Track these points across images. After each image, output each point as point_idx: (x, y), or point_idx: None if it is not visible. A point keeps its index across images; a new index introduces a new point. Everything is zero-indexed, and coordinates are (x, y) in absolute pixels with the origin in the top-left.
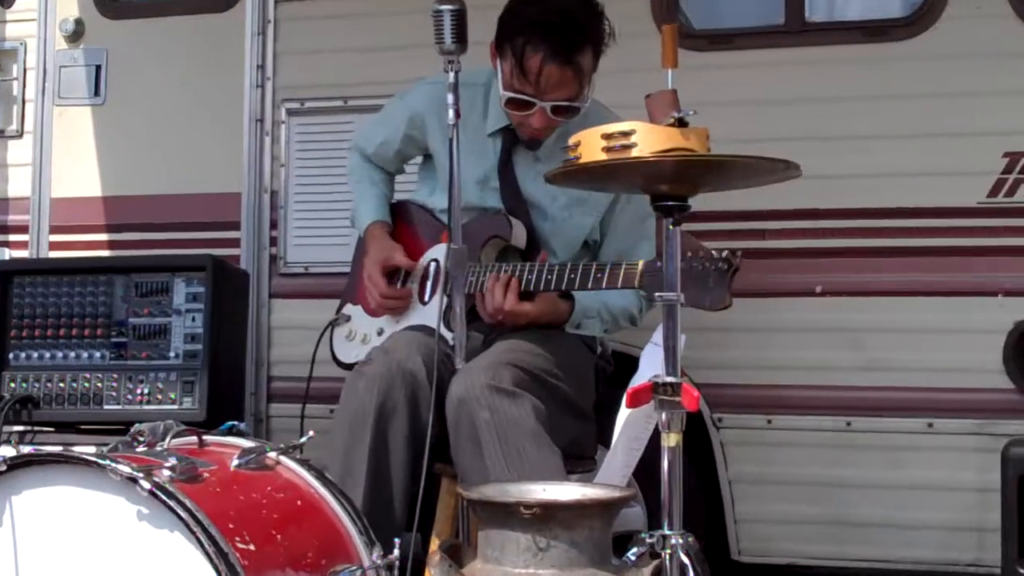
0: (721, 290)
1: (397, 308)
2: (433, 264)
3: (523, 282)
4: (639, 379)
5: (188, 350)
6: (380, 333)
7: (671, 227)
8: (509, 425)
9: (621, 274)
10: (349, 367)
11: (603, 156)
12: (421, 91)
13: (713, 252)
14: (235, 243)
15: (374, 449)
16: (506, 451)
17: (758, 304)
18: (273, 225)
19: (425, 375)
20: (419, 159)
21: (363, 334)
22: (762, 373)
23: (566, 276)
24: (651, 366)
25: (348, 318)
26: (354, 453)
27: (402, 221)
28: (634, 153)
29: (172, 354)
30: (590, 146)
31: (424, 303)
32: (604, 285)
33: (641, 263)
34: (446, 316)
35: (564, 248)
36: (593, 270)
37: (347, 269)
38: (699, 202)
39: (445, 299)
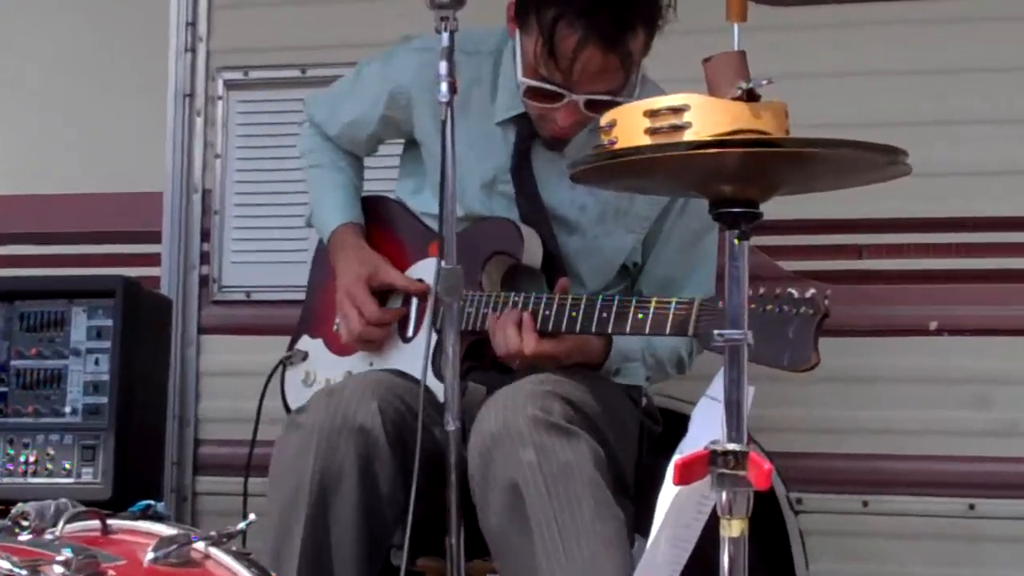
0: (804, 344)
1: (379, 341)
2: (420, 282)
3: (538, 319)
4: (690, 445)
5: (89, 404)
6: None
7: (737, 242)
8: (561, 472)
9: (669, 318)
10: None
11: (647, 140)
12: (408, 59)
13: (793, 291)
14: (154, 260)
15: (311, 534)
16: (557, 507)
17: (851, 346)
18: (205, 236)
19: (382, 429)
20: (398, 141)
21: (324, 379)
22: (856, 438)
23: (596, 316)
24: (706, 428)
25: (305, 355)
26: (286, 539)
27: (377, 224)
28: (688, 136)
29: (68, 409)
30: (629, 127)
31: (406, 340)
32: (647, 330)
33: (696, 302)
34: (435, 360)
35: (595, 274)
36: (632, 310)
37: (303, 296)
38: (773, 208)
39: (435, 336)
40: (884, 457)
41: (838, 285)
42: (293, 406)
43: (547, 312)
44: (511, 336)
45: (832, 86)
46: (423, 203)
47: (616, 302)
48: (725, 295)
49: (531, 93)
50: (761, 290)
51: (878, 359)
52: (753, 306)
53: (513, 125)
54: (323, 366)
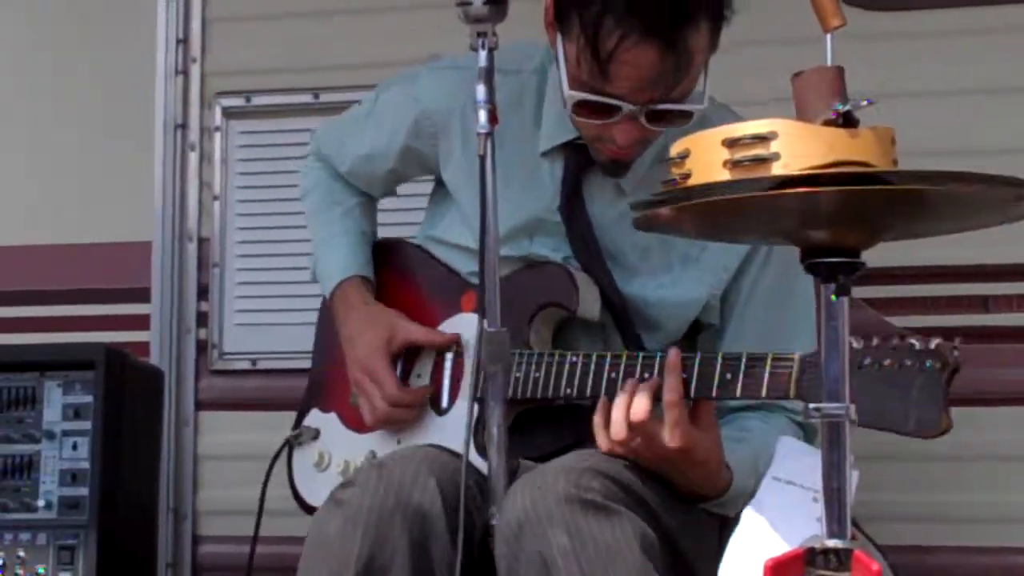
0: (932, 404)
1: (411, 420)
2: (448, 333)
3: (603, 383)
4: (747, 539)
5: (67, 496)
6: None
7: (835, 298)
8: (600, 557)
9: (766, 375)
10: None
11: (726, 174)
12: (434, 79)
13: (914, 341)
14: (143, 323)
15: None
16: None
17: (978, 416)
18: (203, 294)
19: (442, 510)
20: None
21: (342, 461)
22: (987, 528)
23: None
24: (784, 519)
25: (316, 433)
26: None
27: (395, 275)
28: (776, 169)
29: (41, 503)
30: (704, 158)
31: (441, 412)
32: (738, 392)
33: (796, 357)
34: (478, 433)
35: (660, 330)
36: (719, 367)
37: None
38: (879, 253)
39: (475, 407)
40: None
41: (960, 344)
42: (305, 495)
43: (613, 375)
44: (639, 404)
45: (945, 106)
46: (449, 231)
47: (697, 361)
48: (822, 361)
49: (580, 108)
50: (875, 341)
51: (1012, 432)
52: (868, 361)
53: (561, 155)
54: (339, 446)
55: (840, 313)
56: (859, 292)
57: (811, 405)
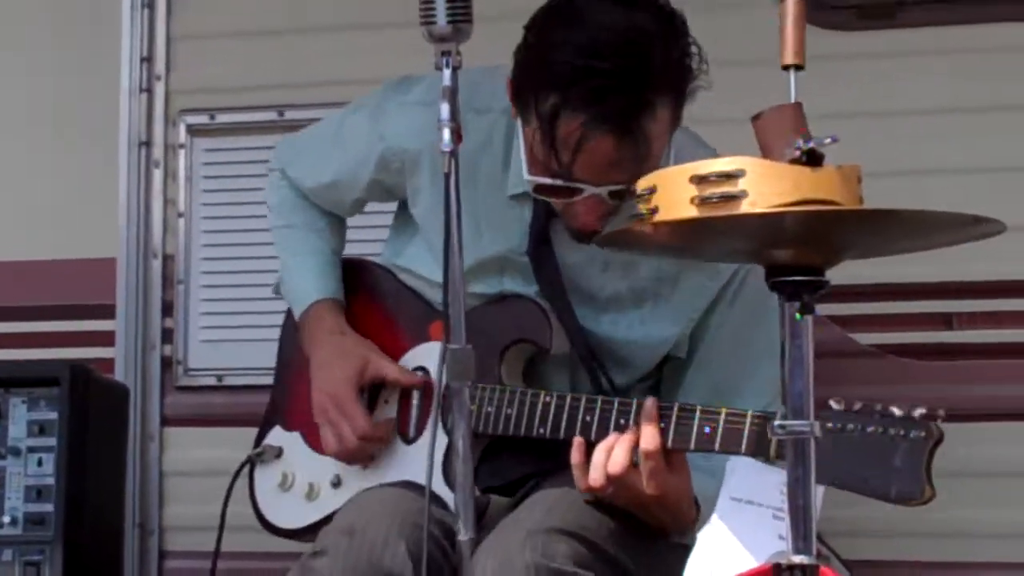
0: (914, 473)
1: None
2: (419, 375)
3: (577, 427)
4: (708, 560)
5: (32, 513)
6: (337, 484)
7: (799, 316)
8: None
9: (745, 431)
10: (289, 535)
11: (693, 211)
12: (402, 116)
13: (895, 410)
14: (107, 339)
15: None
16: None
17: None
18: (167, 310)
19: (412, 572)
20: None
21: (307, 484)
22: (953, 543)
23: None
24: (736, 538)
25: (279, 452)
26: None
27: (363, 297)
28: (744, 207)
29: (7, 519)
30: (672, 195)
31: (409, 441)
32: (717, 447)
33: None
34: (447, 466)
35: (628, 369)
36: (698, 420)
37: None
38: (844, 270)
39: (444, 439)
40: (988, 566)
41: (925, 361)
42: (269, 516)
43: (588, 418)
44: (618, 455)
45: (913, 125)
46: (418, 264)
47: (675, 412)
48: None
49: (541, 190)
50: (858, 405)
51: (977, 448)
52: (852, 426)
53: (529, 199)
54: (303, 466)
55: (804, 332)
56: (823, 309)
57: (776, 422)
